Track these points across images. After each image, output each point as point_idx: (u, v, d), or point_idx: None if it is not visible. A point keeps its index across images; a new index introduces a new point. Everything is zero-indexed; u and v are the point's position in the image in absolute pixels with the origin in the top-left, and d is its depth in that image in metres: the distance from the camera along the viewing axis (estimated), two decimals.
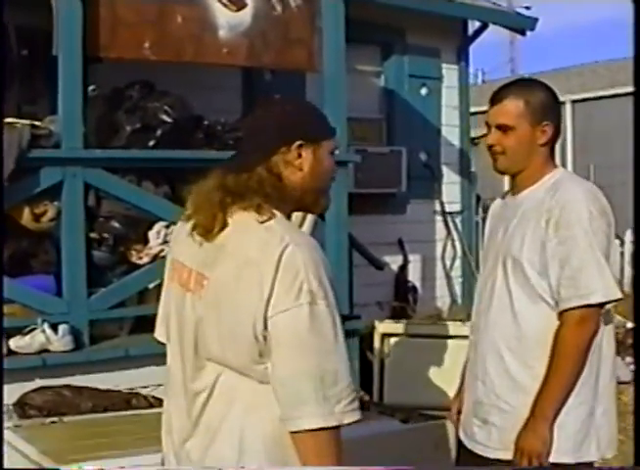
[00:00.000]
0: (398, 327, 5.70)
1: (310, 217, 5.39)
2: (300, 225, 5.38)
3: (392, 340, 5.59)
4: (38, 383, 4.51)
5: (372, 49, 8.47)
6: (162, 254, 4.89)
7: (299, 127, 2.16)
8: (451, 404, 3.14)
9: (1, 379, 3.80)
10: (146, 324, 4.64)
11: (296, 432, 1.98)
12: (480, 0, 9.07)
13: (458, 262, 9.08)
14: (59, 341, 4.60)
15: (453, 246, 9.04)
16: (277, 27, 5.39)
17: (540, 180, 2.81)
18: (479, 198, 10.14)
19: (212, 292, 2.07)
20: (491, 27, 9.14)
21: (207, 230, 2.09)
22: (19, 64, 5.65)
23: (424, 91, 8.73)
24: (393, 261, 8.38)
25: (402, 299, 8.18)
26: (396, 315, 7.61)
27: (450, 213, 8.99)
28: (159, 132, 5.17)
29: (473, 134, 9.72)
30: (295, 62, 5.60)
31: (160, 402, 3.42)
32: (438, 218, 8.95)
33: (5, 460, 3.34)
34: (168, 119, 5.20)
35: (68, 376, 4.62)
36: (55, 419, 4.18)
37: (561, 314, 2.68)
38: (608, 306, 2.73)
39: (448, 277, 8.98)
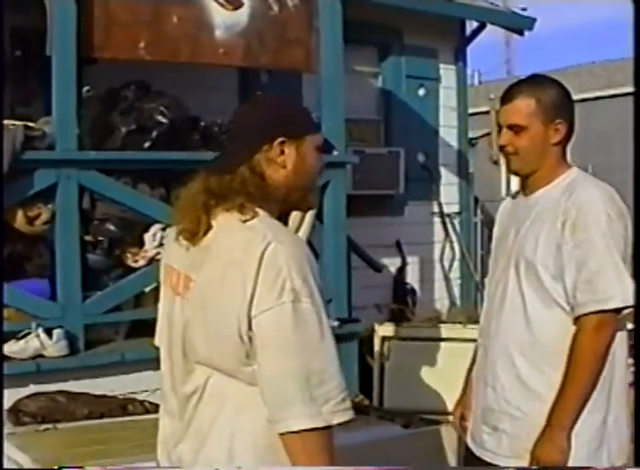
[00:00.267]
0: (398, 330, 5.65)
1: (308, 219, 5.34)
2: (298, 227, 5.32)
3: (392, 343, 5.54)
4: (32, 389, 4.45)
5: (369, 50, 8.41)
6: (159, 257, 4.82)
7: (281, 124, 2.12)
8: (454, 410, 3.07)
9: (1, 380, 3.81)
10: (142, 328, 4.62)
11: (283, 433, 1.94)
12: (477, 0, 9.02)
13: (457, 264, 9.03)
14: (53, 346, 4.53)
15: (452, 248, 8.98)
16: (274, 27, 5.33)
17: (555, 180, 2.73)
18: (477, 199, 10.09)
19: (198, 294, 2.06)
20: (487, 29, 9.09)
21: (193, 233, 2.08)
22: (12, 64, 5.58)
23: (421, 92, 8.67)
24: (392, 264, 8.32)
25: (401, 301, 8.11)
26: (395, 318, 7.55)
27: (448, 215, 8.93)
28: (154, 133, 5.11)
29: (470, 135, 9.68)
30: (292, 62, 5.55)
31: (156, 408, 3.36)
32: (437, 220, 8.89)
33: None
34: (164, 120, 5.15)
35: (62, 382, 4.56)
36: (49, 426, 4.13)
37: (577, 320, 2.60)
38: (625, 312, 2.62)
39: (447, 279, 8.92)
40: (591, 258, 2.56)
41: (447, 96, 8.92)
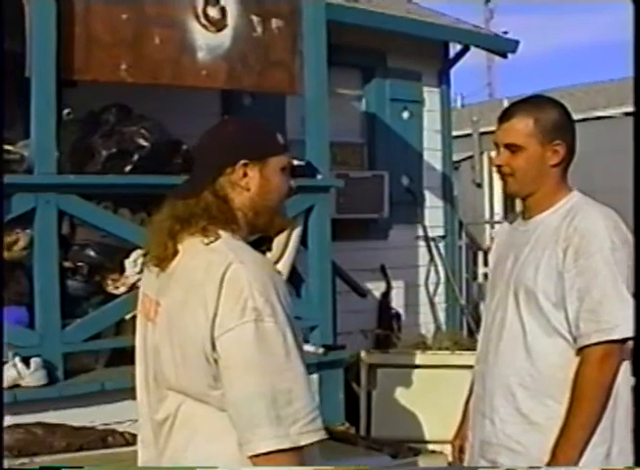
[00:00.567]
0: (385, 357, 5.57)
1: (292, 243, 5.27)
2: (283, 251, 5.24)
3: (379, 371, 5.45)
4: (9, 421, 4.29)
5: (352, 72, 8.39)
6: (140, 283, 4.71)
7: (243, 146, 2.13)
8: (452, 442, 2.96)
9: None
10: (123, 356, 4.52)
11: (252, 456, 1.90)
12: (460, 23, 9.01)
13: (442, 288, 8.97)
14: (31, 375, 4.41)
15: (436, 271, 8.93)
16: (257, 49, 5.26)
17: (555, 205, 2.64)
18: (461, 223, 10.05)
19: (165, 318, 2.07)
20: (469, 52, 9.09)
21: (160, 259, 2.11)
22: None
23: (405, 115, 8.64)
24: (376, 288, 8.26)
25: (386, 326, 8.03)
26: (381, 344, 7.47)
27: (433, 239, 8.88)
28: (135, 157, 5.02)
29: (453, 158, 9.65)
30: (275, 84, 5.49)
31: (136, 439, 3.27)
32: (421, 244, 8.84)
33: None
34: (145, 144, 5.06)
35: (40, 412, 4.44)
36: (26, 460, 3.99)
37: (580, 350, 2.50)
38: (630, 342, 2.52)
39: (432, 303, 8.85)
40: (594, 287, 2.47)
41: (431, 119, 8.90)
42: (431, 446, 4.55)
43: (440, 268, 8.93)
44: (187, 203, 2.11)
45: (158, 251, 2.11)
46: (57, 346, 4.61)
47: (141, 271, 4.80)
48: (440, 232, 9.00)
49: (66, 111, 4.99)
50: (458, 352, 5.15)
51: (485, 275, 11.55)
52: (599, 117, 14.40)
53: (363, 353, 5.57)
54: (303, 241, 5.41)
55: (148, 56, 4.89)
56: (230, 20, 5.13)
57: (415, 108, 8.70)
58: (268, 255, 5.15)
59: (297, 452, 1.89)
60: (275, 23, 5.29)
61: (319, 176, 5.49)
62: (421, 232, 8.80)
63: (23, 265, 4.70)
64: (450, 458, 3.13)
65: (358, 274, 7.38)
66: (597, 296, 2.46)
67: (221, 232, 2.06)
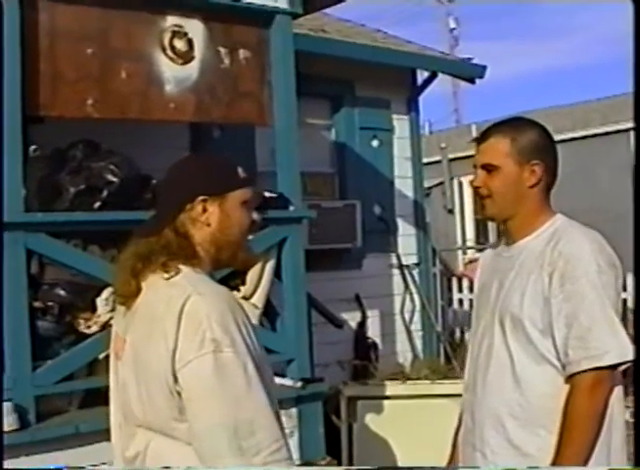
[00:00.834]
0: (365, 389, 5.49)
1: (266, 276, 5.19)
2: (257, 284, 5.16)
3: (360, 403, 5.36)
4: None
5: (321, 102, 8.37)
6: (112, 321, 4.62)
7: (201, 182, 2.15)
8: None
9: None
10: (96, 397, 4.40)
11: None
12: (427, 49, 9.04)
13: (417, 316, 8.94)
14: (1, 420, 4.29)
15: (412, 299, 8.89)
16: (226, 81, 5.21)
17: (538, 229, 2.58)
18: (434, 250, 10.03)
19: (130, 354, 2.11)
20: (437, 78, 9.10)
21: (125, 298, 2.16)
22: None
23: (375, 143, 8.63)
24: (352, 318, 8.20)
25: (363, 356, 7.97)
26: (359, 374, 7.40)
27: (407, 266, 8.85)
28: (104, 193, 4.94)
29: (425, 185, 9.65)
30: (244, 116, 5.44)
31: None
32: (395, 272, 8.81)
33: None
34: (114, 179, 4.97)
35: (13, 458, 4.31)
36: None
37: (570, 377, 2.42)
38: (621, 367, 2.45)
39: (408, 332, 8.81)
40: (582, 312, 2.40)
41: (401, 146, 8.90)
42: None
43: (415, 296, 8.90)
44: (149, 241, 2.15)
45: (122, 289, 2.16)
46: (28, 389, 4.48)
47: (113, 310, 4.73)
48: (414, 260, 8.97)
49: (32, 148, 4.89)
50: (439, 381, 5.08)
51: (460, 301, 11.55)
52: (563, 140, 14.50)
53: (342, 387, 5.49)
54: (277, 273, 5.34)
55: (114, 90, 4.82)
56: (197, 51, 5.08)
57: (385, 136, 8.70)
58: (242, 289, 5.08)
59: None
60: (243, 53, 5.24)
61: (291, 208, 5.43)
62: (395, 260, 8.77)
63: None
64: None
65: (333, 305, 7.32)
66: (585, 322, 2.40)
67: (182, 267, 2.09)
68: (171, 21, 4.98)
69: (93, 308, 4.84)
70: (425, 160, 9.47)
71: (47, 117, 4.77)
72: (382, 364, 8.07)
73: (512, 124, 2.66)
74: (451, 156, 16.07)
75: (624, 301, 8.78)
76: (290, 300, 5.36)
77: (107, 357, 4.43)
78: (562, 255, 2.46)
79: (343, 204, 8.16)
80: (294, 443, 4.87)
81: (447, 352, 8.93)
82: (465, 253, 16.41)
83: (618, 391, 2.52)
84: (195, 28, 5.07)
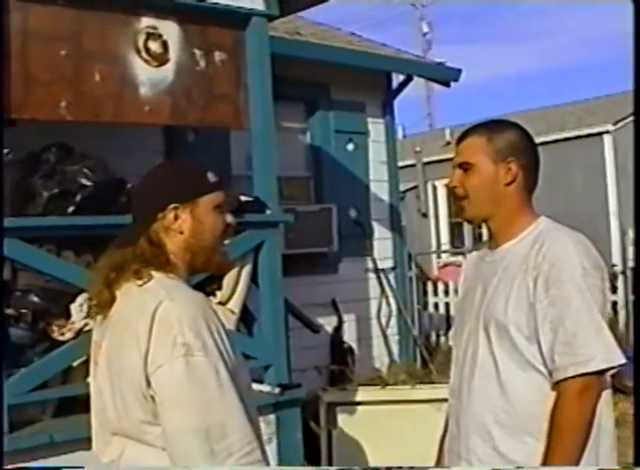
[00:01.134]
0: (343, 395, 5.44)
1: (243, 281, 5.12)
2: (233, 290, 5.10)
3: (339, 408, 5.31)
4: None
5: (296, 105, 8.33)
6: (86, 328, 4.55)
7: (171, 190, 2.16)
8: None
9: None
10: (71, 406, 4.35)
11: None
12: (402, 53, 9.02)
13: (394, 320, 8.91)
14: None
15: (388, 303, 8.86)
16: (201, 83, 5.14)
17: (522, 232, 2.52)
18: (410, 254, 10.02)
19: (104, 361, 2.13)
20: (412, 81, 9.08)
21: (101, 307, 2.18)
22: None
23: (350, 147, 8.60)
24: (328, 323, 8.15)
25: (340, 361, 7.92)
26: (336, 379, 7.36)
27: (383, 270, 8.82)
28: (78, 197, 4.86)
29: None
30: (220, 119, 5.37)
31: None
32: (371, 276, 8.78)
33: None
34: (88, 183, 4.90)
35: None
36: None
37: (557, 384, 2.36)
38: (609, 373, 2.39)
39: (385, 336, 8.78)
40: (568, 317, 2.34)
41: (376, 150, 8.88)
42: None
43: (392, 300, 8.87)
44: (124, 251, 2.17)
45: (97, 299, 2.19)
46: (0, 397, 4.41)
47: (87, 316, 4.65)
48: (390, 264, 8.94)
49: (4, 151, 4.82)
50: (418, 386, 5.04)
51: (436, 305, 11.54)
52: (538, 144, 14.57)
53: (321, 393, 5.43)
54: (254, 278, 5.28)
55: (88, 92, 4.74)
56: (172, 54, 5.01)
57: (360, 139, 8.67)
58: (218, 294, 5.01)
59: None
60: (218, 55, 5.18)
61: (268, 212, 5.37)
62: (371, 264, 8.73)
63: None
64: None
65: (309, 309, 7.26)
66: (571, 327, 2.34)
67: (154, 273, 2.12)
68: (146, 22, 4.91)
69: (67, 315, 4.76)
70: (399, 163, 9.46)
71: (19, 119, 4.68)
72: (358, 369, 8.04)
73: (490, 125, 2.64)
74: (425, 159, 16.09)
75: (614, 303, 8.83)
76: (267, 305, 5.29)
77: (82, 364, 4.37)
78: (546, 258, 2.40)
79: (319, 208, 8.12)
80: (272, 449, 4.81)
81: (424, 356, 8.91)
82: (439, 256, 16.42)
83: (606, 395, 2.47)
84: (170, 30, 5.00)
